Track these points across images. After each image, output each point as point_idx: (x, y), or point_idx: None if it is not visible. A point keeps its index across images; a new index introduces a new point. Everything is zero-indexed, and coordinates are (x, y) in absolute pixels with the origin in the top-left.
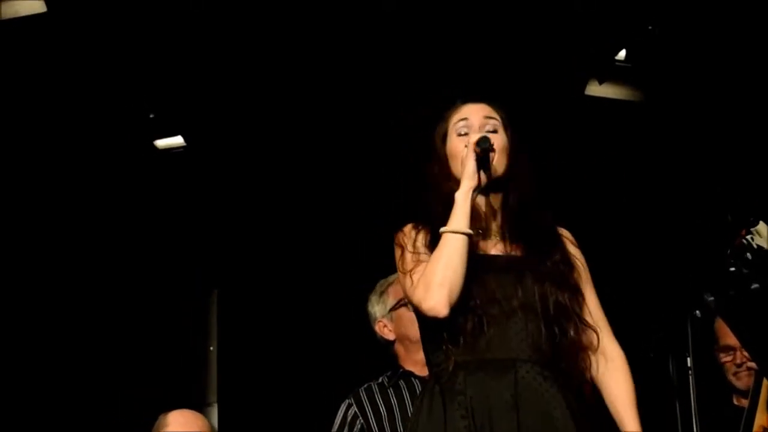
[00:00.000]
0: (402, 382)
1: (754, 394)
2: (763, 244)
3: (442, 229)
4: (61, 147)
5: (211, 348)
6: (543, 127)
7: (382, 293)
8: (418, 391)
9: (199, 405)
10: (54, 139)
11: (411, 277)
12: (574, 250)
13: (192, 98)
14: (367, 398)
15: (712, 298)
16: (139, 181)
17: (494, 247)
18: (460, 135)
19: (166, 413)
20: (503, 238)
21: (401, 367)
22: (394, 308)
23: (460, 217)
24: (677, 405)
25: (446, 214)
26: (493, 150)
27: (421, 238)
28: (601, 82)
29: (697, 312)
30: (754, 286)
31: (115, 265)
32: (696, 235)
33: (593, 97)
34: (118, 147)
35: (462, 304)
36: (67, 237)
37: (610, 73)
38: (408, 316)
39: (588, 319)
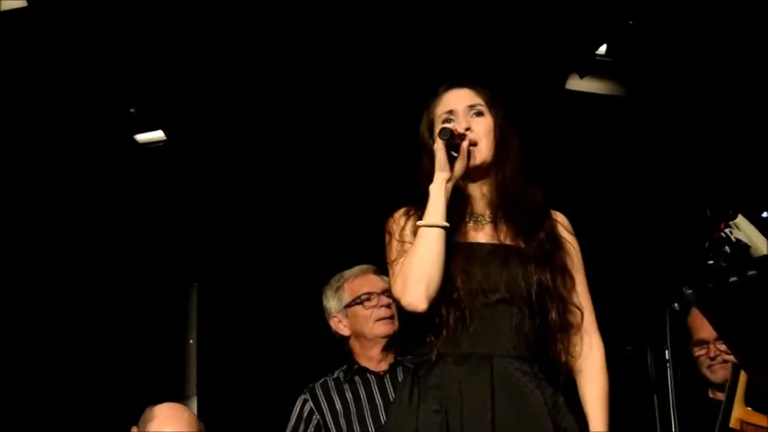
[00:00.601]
0: (358, 378)
1: (731, 387)
2: (742, 238)
3: (418, 223)
4: (41, 142)
5: (191, 341)
6: (523, 121)
7: (338, 288)
8: (373, 387)
9: (178, 398)
10: (34, 133)
11: (394, 268)
12: (567, 235)
13: (173, 93)
14: (323, 393)
15: (690, 291)
16: (119, 175)
17: (483, 233)
18: (444, 122)
19: (153, 406)
20: (494, 223)
21: (356, 362)
22: (349, 305)
23: (433, 210)
24: (655, 398)
25: (426, 200)
26: (458, 139)
27: (410, 226)
28: (581, 77)
29: (675, 305)
30: (733, 279)
31: (94, 259)
32: (675, 228)
33: (574, 92)
34: (99, 141)
35: (446, 296)
36: (46, 231)
37: (591, 68)
38: (363, 313)
39: (574, 301)
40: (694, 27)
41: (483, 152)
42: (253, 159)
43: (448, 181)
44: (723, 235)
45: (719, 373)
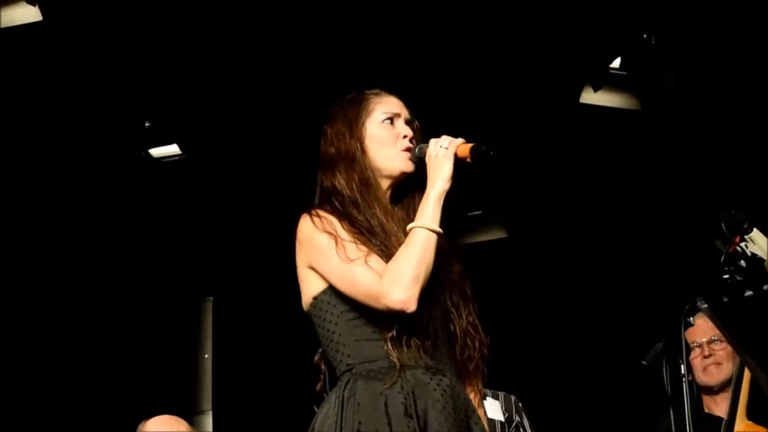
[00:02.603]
0: None
1: (733, 401)
2: (757, 252)
3: (414, 224)
4: (57, 154)
5: (206, 356)
6: (537, 133)
7: None
8: None
9: (193, 412)
10: (50, 146)
11: (365, 267)
12: None
13: (188, 107)
14: None
15: (705, 305)
16: (134, 189)
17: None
18: (385, 121)
19: (146, 420)
20: None
21: None
22: None
23: (434, 216)
24: (671, 412)
25: (367, 199)
26: (490, 157)
27: (347, 226)
28: (595, 90)
29: (691, 319)
30: (748, 293)
31: (110, 273)
32: (690, 241)
33: (588, 105)
34: (114, 155)
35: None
36: (63, 244)
37: (605, 81)
38: None
39: (475, 323)
40: (708, 41)
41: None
42: (268, 173)
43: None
44: (738, 249)
45: (714, 376)
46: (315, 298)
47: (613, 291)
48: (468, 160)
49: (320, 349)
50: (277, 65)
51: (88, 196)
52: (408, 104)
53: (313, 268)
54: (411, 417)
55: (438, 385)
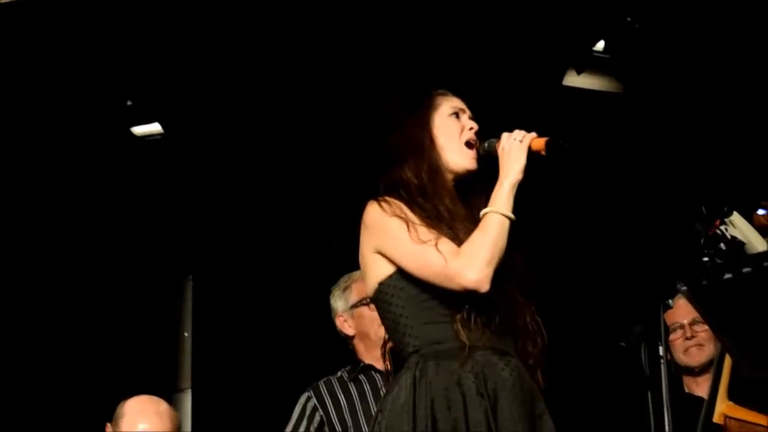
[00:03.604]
0: (362, 376)
1: (714, 381)
2: (737, 235)
3: (489, 209)
4: (37, 134)
5: (186, 334)
6: (520, 117)
7: (345, 288)
8: (379, 385)
9: (172, 391)
10: (29, 125)
11: (437, 248)
12: None
13: (170, 86)
14: (327, 391)
15: (684, 288)
16: (115, 167)
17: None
18: (451, 115)
19: (124, 401)
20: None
21: (361, 361)
22: (355, 305)
23: (508, 204)
24: (649, 394)
25: (434, 187)
26: (567, 150)
27: (419, 211)
28: (578, 73)
29: (670, 301)
30: (727, 276)
31: (89, 251)
32: (670, 224)
33: (571, 88)
34: (95, 134)
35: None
36: (40, 223)
37: (588, 64)
38: (369, 315)
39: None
40: (692, 24)
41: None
42: (249, 152)
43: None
44: (718, 232)
45: (695, 357)
46: (381, 283)
47: (591, 273)
48: (542, 153)
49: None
50: (258, 45)
51: (68, 174)
52: (392, 88)
53: (381, 253)
54: (482, 396)
55: (506, 365)
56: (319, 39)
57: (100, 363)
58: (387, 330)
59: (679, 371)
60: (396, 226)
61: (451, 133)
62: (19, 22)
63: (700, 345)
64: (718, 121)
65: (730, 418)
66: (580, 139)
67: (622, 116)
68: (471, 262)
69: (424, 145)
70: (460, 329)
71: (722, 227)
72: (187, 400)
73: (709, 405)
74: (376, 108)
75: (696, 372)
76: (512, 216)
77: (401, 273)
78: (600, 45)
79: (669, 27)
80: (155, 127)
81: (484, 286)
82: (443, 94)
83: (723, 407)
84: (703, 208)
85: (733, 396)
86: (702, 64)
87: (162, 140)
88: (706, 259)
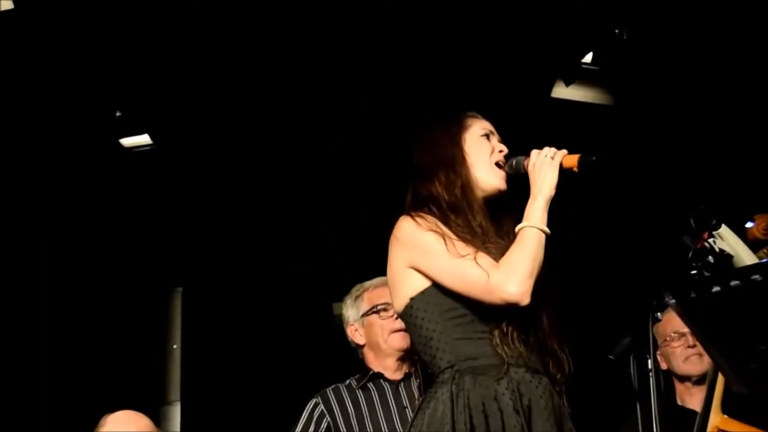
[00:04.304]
0: (371, 384)
1: (708, 394)
2: (725, 248)
3: (526, 224)
4: (26, 145)
5: (175, 346)
6: (508, 128)
7: (357, 297)
8: (388, 393)
9: (160, 404)
10: (18, 136)
11: (477, 261)
12: None
13: (159, 97)
14: (335, 398)
15: (673, 301)
16: (104, 179)
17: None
18: (482, 136)
19: (106, 415)
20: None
21: (370, 369)
22: (366, 314)
23: (543, 218)
24: (638, 407)
25: (468, 203)
26: (596, 168)
27: (453, 226)
28: (567, 85)
29: (659, 314)
30: (715, 289)
31: (79, 262)
32: (658, 236)
33: (559, 100)
34: (84, 145)
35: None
36: (30, 233)
37: (577, 76)
38: (379, 323)
39: (564, 348)
40: (681, 37)
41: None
42: (238, 164)
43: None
44: (706, 245)
45: (696, 366)
46: (413, 298)
47: (580, 284)
48: (575, 169)
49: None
50: (248, 54)
51: (57, 185)
52: (381, 101)
53: (415, 268)
54: (518, 412)
55: (539, 383)
56: (308, 45)
57: (89, 374)
58: (417, 345)
59: (673, 382)
60: (433, 240)
61: (482, 153)
62: (8, 33)
63: (700, 354)
64: (707, 132)
65: (724, 431)
66: (610, 154)
67: (611, 128)
68: (512, 275)
69: (457, 161)
70: (500, 344)
71: (710, 240)
72: (176, 412)
73: (702, 418)
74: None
75: (693, 382)
76: (548, 231)
77: (436, 288)
78: (588, 57)
79: (657, 39)
80: (144, 139)
81: (526, 299)
82: (474, 116)
83: (716, 420)
84: (692, 220)
85: (727, 409)
86: (690, 76)
87: (151, 151)
88: (694, 271)
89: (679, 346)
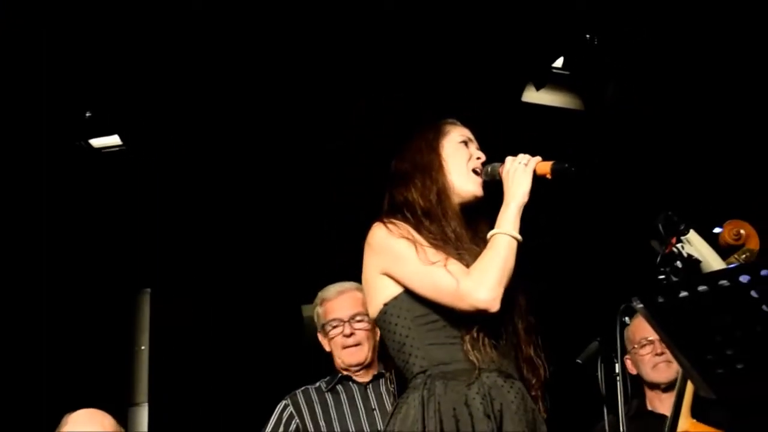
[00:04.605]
0: (340, 387)
1: (677, 398)
2: (694, 253)
3: (498, 230)
4: None
5: (143, 347)
6: (479, 131)
7: (316, 306)
8: (356, 395)
9: (128, 405)
10: None
11: (446, 269)
12: None
13: (130, 98)
14: (305, 400)
15: (640, 305)
16: (73, 179)
17: None
18: (461, 143)
19: (68, 414)
20: None
21: (339, 371)
22: (322, 327)
23: (515, 224)
24: (605, 410)
25: (442, 209)
26: (571, 174)
27: (425, 233)
28: (537, 89)
29: (626, 318)
30: (683, 294)
31: (46, 262)
32: (627, 241)
33: (529, 104)
34: (54, 145)
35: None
36: None
37: (547, 80)
38: (333, 339)
39: (541, 355)
40: (650, 42)
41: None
42: (208, 166)
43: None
44: (675, 250)
45: (664, 373)
46: (386, 304)
47: (548, 289)
48: (548, 176)
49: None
50: (221, 57)
51: (25, 185)
52: (351, 105)
53: (387, 274)
54: (489, 417)
55: (511, 387)
56: (308, 45)
57: (56, 375)
58: (390, 350)
59: (643, 387)
60: (404, 247)
61: (460, 159)
62: None
63: (669, 361)
64: (678, 138)
65: None
66: (583, 162)
67: (581, 132)
68: (482, 281)
69: (433, 168)
70: (470, 350)
71: (679, 245)
72: (143, 414)
73: (672, 422)
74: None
75: (662, 389)
76: (520, 237)
77: (407, 294)
78: (559, 61)
79: (628, 44)
80: (114, 140)
81: (495, 306)
82: (453, 123)
83: (686, 425)
84: (660, 225)
85: (696, 413)
86: (660, 81)
87: (121, 152)
88: (662, 276)
89: (647, 354)
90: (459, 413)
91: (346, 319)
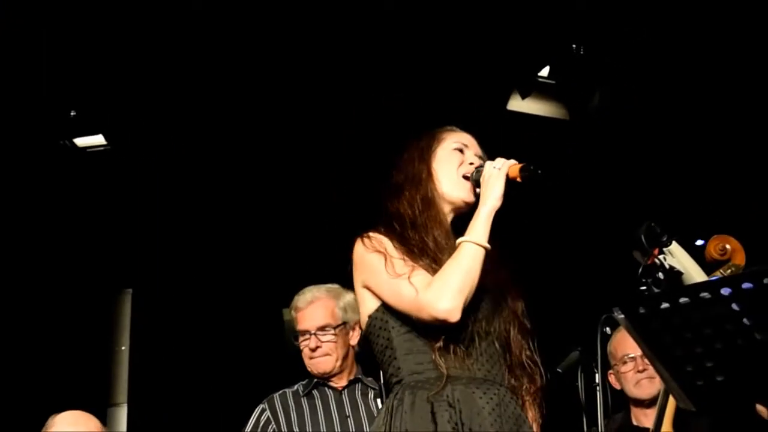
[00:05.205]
0: (316, 392)
1: (659, 411)
2: (676, 265)
3: (463, 239)
4: None
5: (123, 348)
6: None
7: (290, 312)
8: (330, 401)
9: (107, 405)
10: None
11: (410, 280)
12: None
13: (114, 98)
14: (281, 404)
15: (621, 316)
16: (55, 178)
17: None
18: (455, 149)
19: (54, 415)
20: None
21: (315, 376)
22: (295, 338)
23: (483, 232)
24: (584, 419)
25: (428, 218)
26: (538, 176)
27: (398, 244)
28: (523, 98)
29: (607, 329)
30: (665, 305)
31: (27, 262)
32: (608, 251)
33: (515, 112)
34: (37, 144)
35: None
36: None
37: (533, 89)
38: (302, 348)
39: (536, 360)
40: (636, 53)
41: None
42: (190, 167)
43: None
44: (657, 261)
45: (646, 389)
46: (370, 317)
47: (530, 297)
48: (518, 179)
49: None
50: (207, 57)
51: (7, 184)
52: (336, 112)
53: (367, 287)
54: (456, 424)
55: (484, 394)
56: (307, 45)
57: (35, 375)
58: (377, 361)
59: (628, 402)
60: (375, 261)
61: (450, 166)
62: None
63: (651, 377)
64: (662, 150)
65: None
66: (553, 165)
67: (566, 141)
68: (441, 292)
69: (422, 177)
70: (438, 359)
71: (661, 256)
72: (122, 414)
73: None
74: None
75: (645, 404)
76: (486, 245)
77: (385, 306)
78: (545, 71)
79: (614, 54)
80: (98, 139)
81: (454, 316)
82: (451, 130)
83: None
84: (643, 236)
85: (678, 427)
86: (647, 90)
87: (105, 152)
88: (643, 287)
89: (629, 371)
90: (424, 423)
91: (313, 331)
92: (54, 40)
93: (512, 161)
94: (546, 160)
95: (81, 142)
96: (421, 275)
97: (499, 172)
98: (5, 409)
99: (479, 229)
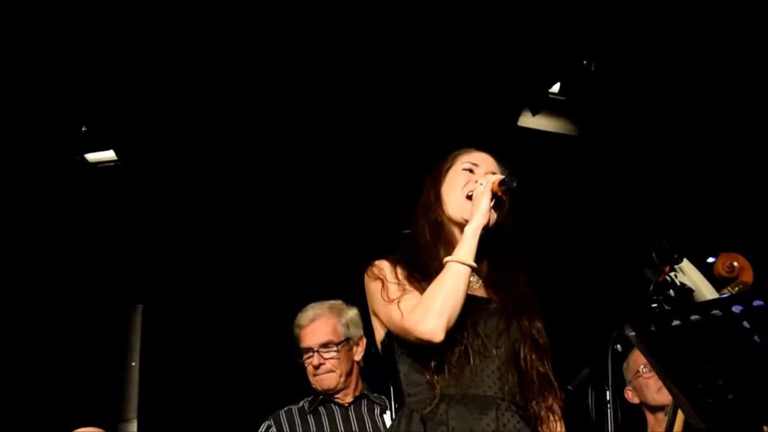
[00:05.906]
0: (322, 408)
1: (669, 425)
2: (686, 282)
3: (447, 258)
4: None
5: (133, 363)
6: None
7: (294, 329)
8: (337, 417)
9: (117, 421)
10: None
11: (399, 305)
12: (530, 292)
13: (125, 113)
14: (287, 421)
15: (633, 333)
16: (67, 193)
17: (478, 289)
18: (464, 170)
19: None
20: (486, 284)
21: (322, 393)
22: (300, 356)
23: (467, 250)
24: None
25: (433, 242)
26: (514, 188)
27: (401, 270)
28: (534, 114)
29: (618, 346)
30: (676, 322)
31: (39, 277)
32: (620, 269)
33: (525, 128)
34: (49, 159)
35: (451, 337)
36: None
37: (544, 106)
38: (306, 366)
39: (544, 357)
40: (647, 69)
41: (491, 218)
42: (201, 183)
43: (484, 227)
44: (668, 278)
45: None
46: (381, 343)
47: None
48: (499, 193)
49: None
50: (215, 73)
51: (20, 199)
52: (344, 126)
53: (374, 315)
54: None
55: (480, 411)
56: (307, 45)
57: (47, 390)
58: (390, 382)
59: (645, 415)
60: (374, 288)
61: (455, 187)
62: None
63: None
64: (673, 167)
65: None
66: (529, 177)
67: (576, 158)
68: (422, 314)
69: (430, 203)
70: (432, 378)
71: (672, 274)
72: (133, 429)
73: None
74: None
75: (666, 412)
76: (470, 263)
77: (389, 331)
78: (556, 87)
79: (625, 71)
80: (109, 154)
81: (438, 336)
82: (466, 151)
83: None
84: (654, 254)
85: None
86: (656, 108)
87: (116, 167)
88: (654, 304)
89: (651, 377)
90: None
91: (315, 348)
92: (66, 57)
93: (496, 176)
94: (526, 173)
95: (92, 157)
96: (409, 299)
97: (484, 188)
98: (18, 425)
99: (464, 247)
